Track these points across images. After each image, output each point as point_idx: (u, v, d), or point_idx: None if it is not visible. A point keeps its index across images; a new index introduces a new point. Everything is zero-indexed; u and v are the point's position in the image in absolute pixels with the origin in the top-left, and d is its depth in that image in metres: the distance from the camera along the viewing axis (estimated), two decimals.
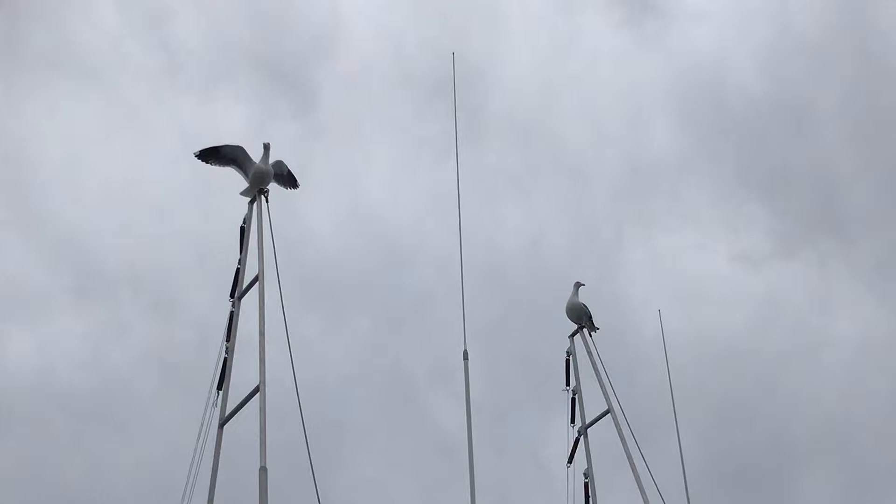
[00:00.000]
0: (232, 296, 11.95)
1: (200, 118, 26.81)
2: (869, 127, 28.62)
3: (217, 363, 11.63)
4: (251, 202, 12.25)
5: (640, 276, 26.96)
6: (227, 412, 11.40)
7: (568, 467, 13.90)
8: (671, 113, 29.38)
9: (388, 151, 27.70)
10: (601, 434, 14.11)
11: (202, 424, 11.31)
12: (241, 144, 12.57)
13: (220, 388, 11.56)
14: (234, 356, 11.65)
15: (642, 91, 29.60)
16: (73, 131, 26.60)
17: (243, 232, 12.10)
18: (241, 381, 11.46)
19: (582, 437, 14.04)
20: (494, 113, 28.20)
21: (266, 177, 12.38)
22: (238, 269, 12.01)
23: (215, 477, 11.19)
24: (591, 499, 13.67)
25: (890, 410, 25.25)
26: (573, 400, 14.25)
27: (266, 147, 12.54)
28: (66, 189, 25.98)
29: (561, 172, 28.41)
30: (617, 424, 13.69)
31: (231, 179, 12.47)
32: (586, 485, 13.77)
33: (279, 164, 12.65)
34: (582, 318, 14.60)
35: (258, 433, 10.56)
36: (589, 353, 14.28)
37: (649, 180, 28.80)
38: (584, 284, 14.83)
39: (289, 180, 12.76)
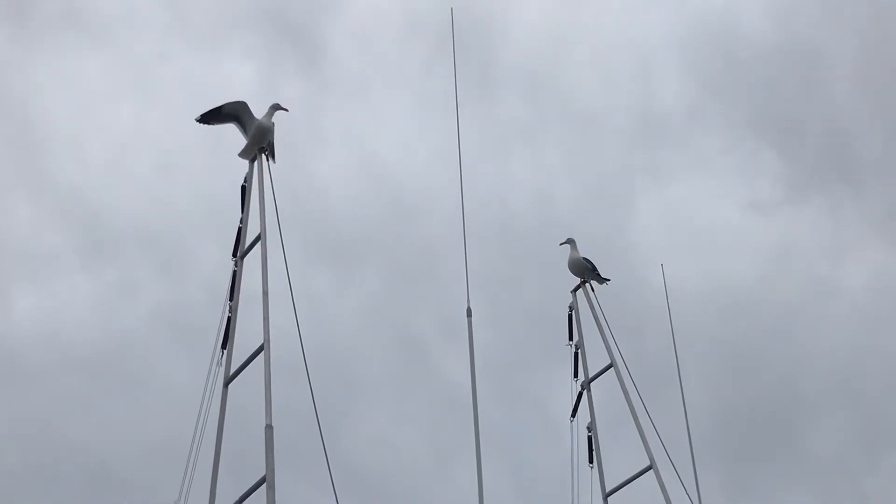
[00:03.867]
0: (234, 255, 11.94)
1: (208, 74, 26.79)
2: (881, 75, 28.45)
3: (220, 322, 11.68)
4: (252, 160, 12.20)
5: (650, 227, 26.95)
6: (232, 371, 11.46)
7: (571, 421, 14.01)
8: (682, 62, 29.23)
9: (396, 105, 27.63)
10: (608, 388, 14.21)
11: (207, 383, 11.39)
12: (244, 100, 12.32)
13: (224, 347, 11.62)
14: (243, 315, 11.69)
15: (652, 40, 29.43)
16: (80, 89, 26.60)
17: (244, 191, 12.07)
18: (249, 340, 11.51)
19: (585, 391, 14.16)
20: (503, 64, 28.08)
21: (267, 133, 12.14)
22: (240, 229, 12.00)
23: (221, 435, 11.28)
24: (594, 452, 13.81)
25: None
26: (576, 354, 14.35)
27: (274, 107, 12.31)
28: (74, 148, 26.04)
29: (570, 123, 28.32)
30: (620, 378, 13.75)
31: (240, 136, 12.36)
32: (590, 438, 13.89)
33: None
34: (584, 272, 14.59)
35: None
36: (591, 307, 14.35)
37: (659, 130, 28.70)
38: (573, 239, 14.77)
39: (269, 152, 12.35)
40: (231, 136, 12.42)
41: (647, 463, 13.30)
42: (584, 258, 14.67)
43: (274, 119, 12.29)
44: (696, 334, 23.95)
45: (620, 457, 14.04)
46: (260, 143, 12.18)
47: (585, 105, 28.43)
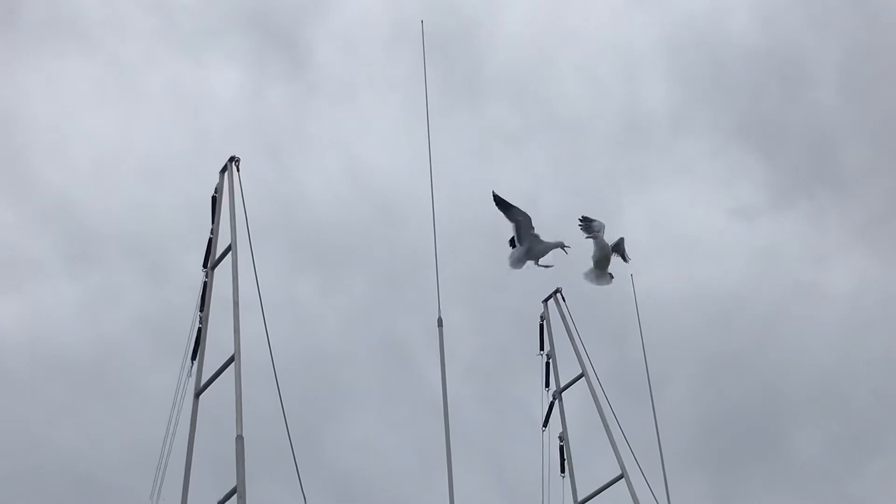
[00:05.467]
0: (205, 266, 11.98)
1: (194, 80, 26.80)
2: (866, 80, 28.52)
3: (191, 333, 11.70)
4: (222, 171, 12.22)
5: (635, 232, 26.94)
6: (203, 382, 11.49)
7: (543, 431, 14.09)
8: (667, 67, 29.29)
9: (382, 111, 27.64)
10: (582, 397, 14.27)
11: (176, 395, 11.43)
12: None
13: (194, 358, 11.65)
14: (222, 324, 11.72)
15: (638, 44, 29.49)
16: (65, 94, 26.59)
17: (215, 201, 12.10)
18: (225, 350, 11.52)
19: (557, 400, 14.22)
20: (488, 69, 28.12)
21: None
22: (210, 239, 12.03)
23: (192, 446, 11.30)
24: (566, 462, 13.86)
25: (882, 364, 25.36)
26: (547, 364, 14.43)
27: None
28: (59, 154, 26.03)
29: (556, 128, 28.36)
30: (591, 388, 13.84)
31: (225, 143, 12.40)
32: (561, 448, 13.96)
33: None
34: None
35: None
36: (563, 317, 14.41)
37: (644, 135, 28.76)
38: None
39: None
40: (216, 144, 12.52)
41: (619, 472, 13.37)
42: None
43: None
44: (679, 340, 24.05)
45: (592, 466, 14.10)
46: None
47: (571, 110, 28.50)
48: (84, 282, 24.53)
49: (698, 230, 27.30)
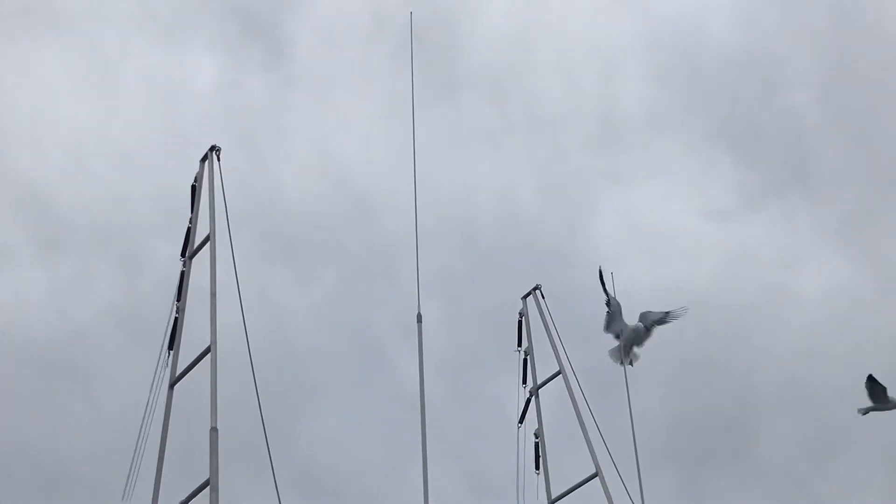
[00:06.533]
0: (183, 255, 11.88)
1: (170, 69, 26.64)
2: (841, 85, 28.71)
3: (168, 323, 11.62)
4: (202, 160, 12.12)
5: (609, 231, 27.08)
6: (178, 372, 11.40)
7: (519, 427, 14.08)
8: (645, 66, 29.40)
9: (360, 105, 27.56)
10: (558, 394, 14.28)
11: (152, 385, 11.34)
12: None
13: (171, 347, 11.56)
14: (199, 315, 11.63)
15: (616, 43, 29.57)
16: (39, 81, 26.37)
17: (194, 190, 12.00)
18: (201, 340, 11.44)
19: (533, 397, 14.22)
20: (467, 65, 28.11)
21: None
22: (189, 229, 11.94)
23: (165, 437, 11.22)
24: (540, 459, 13.86)
25: (852, 367, 25.49)
26: (525, 361, 14.43)
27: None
28: (32, 141, 25.82)
29: (534, 125, 28.40)
30: (568, 385, 13.86)
31: (201, 133, 12.35)
32: (536, 444, 13.96)
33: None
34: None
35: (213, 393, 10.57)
36: (541, 314, 14.41)
37: (621, 134, 28.86)
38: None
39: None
40: (192, 133, 12.47)
41: (593, 470, 13.38)
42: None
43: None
44: (652, 339, 24.06)
45: (567, 464, 14.12)
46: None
47: (549, 107, 28.54)
48: (55, 270, 24.37)
49: (671, 230, 27.45)
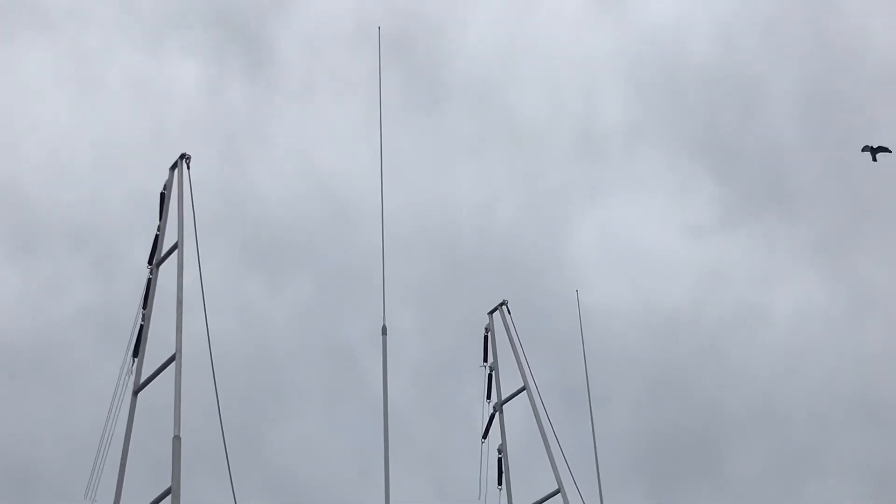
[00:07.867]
0: (150, 263, 11.90)
1: (152, 71, 26.64)
2: (819, 105, 28.90)
3: (133, 330, 11.63)
4: (171, 168, 12.14)
5: (585, 246, 27.17)
6: (143, 380, 11.42)
7: (483, 443, 14.12)
8: (626, 81, 29.53)
9: (340, 112, 27.61)
10: (523, 410, 14.31)
11: (115, 392, 11.36)
12: None
13: (135, 355, 11.57)
14: (165, 322, 11.64)
15: (598, 58, 29.70)
16: (19, 80, 26.34)
17: (163, 198, 12.01)
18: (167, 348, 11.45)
19: (497, 413, 14.25)
20: (451, 76, 28.20)
21: None
22: (157, 236, 11.96)
23: (128, 444, 11.26)
24: (503, 474, 13.90)
25: (823, 387, 25.67)
26: (490, 376, 14.46)
27: None
28: (9, 140, 25.76)
29: (514, 137, 28.50)
30: (532, 401, 13.90)
31: (181, 137, 12.35)
32: (500, 460, 13.99)
33: None
34: None
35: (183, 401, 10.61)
36: (507, 329, 14.45)
37: (600, 148, 28.97)
38: None
39: None
40: (172, 137, 12.50)
41: (556, 486, 13.42)
42: None
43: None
44: (625, 355, 24.22)
45: (530, 479, 14.15)
46: None
47: (529, 120, 28.65)
48: (29, 270, 24.31)
49: (648, 246, 27.56)
